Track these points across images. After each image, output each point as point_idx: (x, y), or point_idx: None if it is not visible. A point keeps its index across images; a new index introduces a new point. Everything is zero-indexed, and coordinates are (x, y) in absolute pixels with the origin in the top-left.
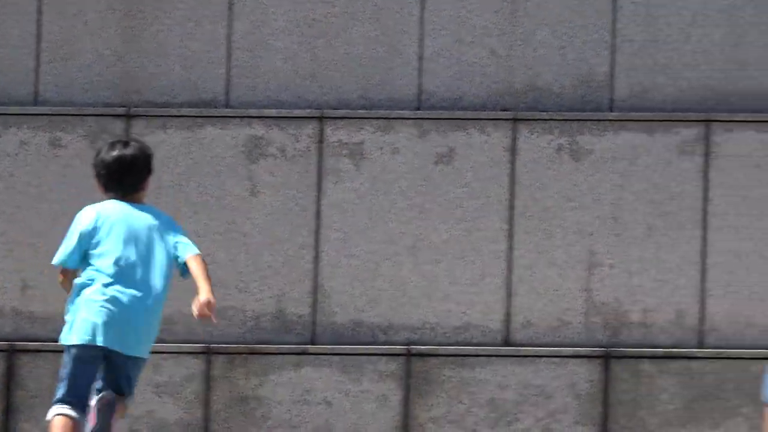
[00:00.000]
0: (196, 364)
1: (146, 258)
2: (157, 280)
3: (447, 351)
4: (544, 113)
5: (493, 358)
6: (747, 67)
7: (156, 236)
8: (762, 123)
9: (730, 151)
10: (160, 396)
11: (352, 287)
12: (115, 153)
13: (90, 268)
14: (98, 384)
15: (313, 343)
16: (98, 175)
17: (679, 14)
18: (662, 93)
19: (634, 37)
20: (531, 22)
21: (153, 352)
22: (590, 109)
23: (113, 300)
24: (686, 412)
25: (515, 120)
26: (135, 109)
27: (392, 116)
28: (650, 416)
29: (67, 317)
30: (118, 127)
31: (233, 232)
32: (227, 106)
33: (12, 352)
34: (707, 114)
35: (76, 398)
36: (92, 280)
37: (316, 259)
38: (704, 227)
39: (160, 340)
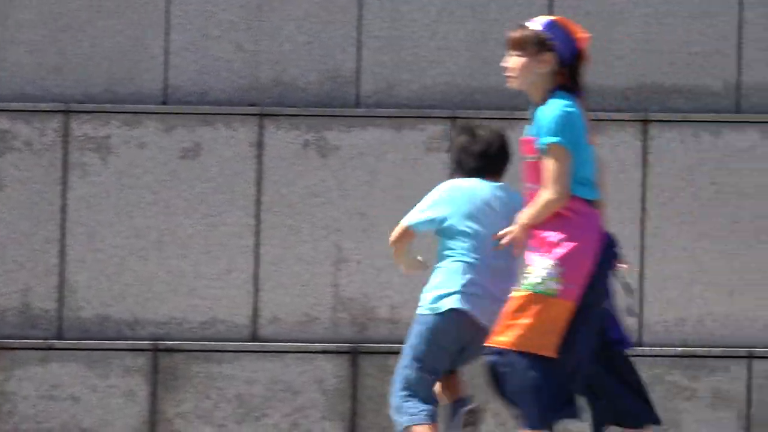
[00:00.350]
0: None
1: None
2: None
3: (194, 346)
4: (291, 109)
5: (241, 353)
6: (491, 64)
7: None
8: (506, 120)
9: None
10: None
11: (98, 282)
12: None
13: None
14: None
15: (59, 338)
16: None
17: (425, 10)
18: (408, 89)
19: (380, 34)
20: (277, 17)
21: None
22: (337, 104)
23: None
24: None
25: (262, 115)
26: None
27: (138, 111)
28: None
29: None
30: None
31: None
32: None
33: None
34: (452, 111)
35: None
36: None
37: (62, 253)
38: None
39: None
